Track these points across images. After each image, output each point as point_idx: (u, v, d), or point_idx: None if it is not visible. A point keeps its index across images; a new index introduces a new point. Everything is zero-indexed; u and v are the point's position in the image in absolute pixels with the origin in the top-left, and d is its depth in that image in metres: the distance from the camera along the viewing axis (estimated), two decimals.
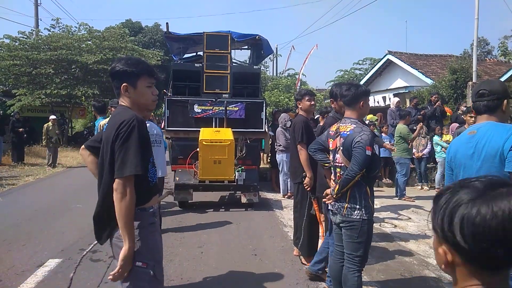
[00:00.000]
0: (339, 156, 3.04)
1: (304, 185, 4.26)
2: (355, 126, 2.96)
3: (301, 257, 4.48)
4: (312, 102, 4.62)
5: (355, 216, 2.93)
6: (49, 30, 21.18)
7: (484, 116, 2.33)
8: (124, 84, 2.10)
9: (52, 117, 13.35)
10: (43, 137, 12.79)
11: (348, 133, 2.95)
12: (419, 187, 9.59)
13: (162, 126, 7.29)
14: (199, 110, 7.48)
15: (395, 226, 6.18)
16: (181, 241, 5.22)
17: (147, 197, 2.09)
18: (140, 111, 2.19)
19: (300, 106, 4.59)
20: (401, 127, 8.26)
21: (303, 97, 4.56)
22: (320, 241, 4.24)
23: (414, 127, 9.04)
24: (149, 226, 2.07)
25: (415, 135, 8.35)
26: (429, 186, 9.65)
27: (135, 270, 2.01)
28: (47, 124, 12.88)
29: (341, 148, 2.99)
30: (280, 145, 8.32)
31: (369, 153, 2.84)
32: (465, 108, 9.68)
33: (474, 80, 11.64)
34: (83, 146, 2.43)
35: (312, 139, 4.14)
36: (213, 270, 4.27)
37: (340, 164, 3.04)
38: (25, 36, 19.72)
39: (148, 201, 2.10)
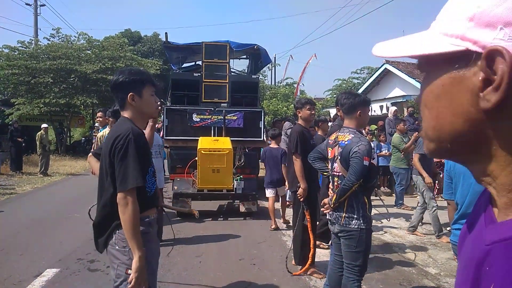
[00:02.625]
0: (337, 165, 3.06)
1: (298, 195, 4.26)
2: (353, 136, 2.98)
3: (287, 263, 4.46)
4: (313, 112, 4.58)
5: (353, 226, 2.93)
6: (49, 40, 21.31)
7: None
8: (130, 93, 2.16)
9: (44, 125, 13.73)
10: (38, 146, 13.03)
11: (346, 143, 2.98)
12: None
13: (161, 135, 7.31)
14: (198, 119, 7.50)
15: (393, 235, 6.17)
16: (179, 251, 5.20)
17: (142, 207, 2.12)
18: (143, 120, 2.30)
19: (300, 115, 4.54)
20: (394, 136, 8.31)
21: (303, 106, 4.51)
22: (311, 251, 4.26)
23: (410, 136, 9.05)
24: (142, 236, 2.09)
25: (408, 145, 8.29)
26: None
27: (126, 278, 2.04)
28: (40, 132, 13.15)
29: (339, 157, 3.01)
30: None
31: (367, 163, 2.86)
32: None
33: None
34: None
35: (308, 148, 4.15)
36: (211, 280, 4.25)
37: (338, 174, 3.06)
38: (24, 46, 19.81)
39: (143, 211, 2.13)
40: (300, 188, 4.21)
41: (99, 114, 6.29)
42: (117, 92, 2.21)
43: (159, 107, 2.34)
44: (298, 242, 4.43)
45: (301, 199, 4.24)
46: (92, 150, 6.29)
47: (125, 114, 2.21)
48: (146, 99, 2.21)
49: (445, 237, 5.74)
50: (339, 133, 3.12)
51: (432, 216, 5.88)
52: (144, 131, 2.34)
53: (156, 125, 3.91)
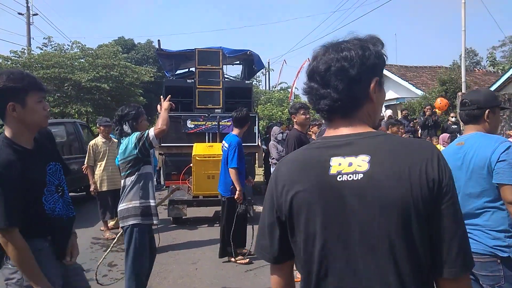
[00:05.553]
0: None
1: None
2: None
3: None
4: (308, 116, 4.59)
5: None
6: (41, 49, 21.24)
7: (470, 126, 2.35)
8: (10, 103, 1.84)
9: None
10: None
11: None
12: None
13: None
14: (192, 126, 7.51)
15: None
16: (175, 258, 5.18)
17: (39, 229, 1.92)
18: (30, 132, 1.96)
19: (295, 120, 4.53)
20: None
21: (298, 111, 4.51)
22: None
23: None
24: (34, 253, 1.84)
25: None
26: None
27: None
28: None
29: None
30: (273, 158, 8.34)
31: None
32: (454, 119, 9.81)
33: (463, 91, 11.80)
34: None
35: None
36: (207, 287, 4.23)
37: None
38: (17, 55, 19.75)
39: (42, 231, 1.94)
40: None
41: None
42: None
43: (48, 115, 2.00)
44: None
45: None
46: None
47: (6, 129, 1.91)
48: (31, 108, 1.88)
49: None
50: None
51: None
52: (26, 147, 1.93)
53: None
